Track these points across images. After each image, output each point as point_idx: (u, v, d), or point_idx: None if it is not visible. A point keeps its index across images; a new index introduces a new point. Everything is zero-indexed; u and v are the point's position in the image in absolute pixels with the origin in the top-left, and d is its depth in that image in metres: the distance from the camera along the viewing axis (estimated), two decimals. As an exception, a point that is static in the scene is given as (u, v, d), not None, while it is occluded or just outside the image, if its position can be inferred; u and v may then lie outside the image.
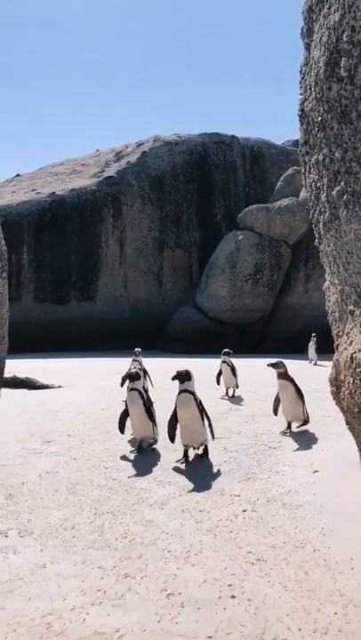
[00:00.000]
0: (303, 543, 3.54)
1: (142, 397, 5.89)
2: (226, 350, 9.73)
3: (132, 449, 5.91)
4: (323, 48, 3.22)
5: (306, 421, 6.61)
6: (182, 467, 5.32)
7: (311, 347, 15.36)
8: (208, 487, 4.72)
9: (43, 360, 16.26)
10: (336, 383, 3.94)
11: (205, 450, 5.56)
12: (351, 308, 3.64)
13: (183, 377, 5.42)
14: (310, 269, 21.98)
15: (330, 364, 4.26)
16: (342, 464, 4.90)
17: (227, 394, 9.29)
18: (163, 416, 5.77)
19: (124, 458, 5.66)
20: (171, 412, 5.54)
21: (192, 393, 5.39)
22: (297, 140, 4.07)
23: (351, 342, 3.63)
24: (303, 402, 6.57)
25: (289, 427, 6.53)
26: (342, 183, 3.24)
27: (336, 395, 4.01)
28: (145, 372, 8.52)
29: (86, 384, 11.03)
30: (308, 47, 3.59)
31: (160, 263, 25.30)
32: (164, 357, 16.43)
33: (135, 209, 25.13)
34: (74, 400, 8.99)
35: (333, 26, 3.08)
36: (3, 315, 5.48)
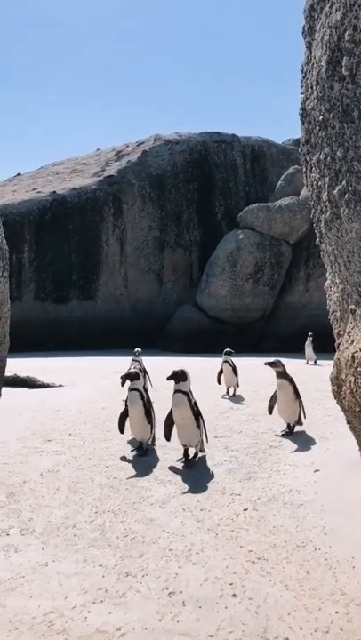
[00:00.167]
0: (304, 542, 3.55)
1: (143, 398, 5.87)
2: (228, 350, 9.72)
3: (132, 449, 5.91)
4: (324, 47, 3.22)
5: (299, 422, 6.47)
6: (183, 466, 5.32)
7: (308, 346, 15.26)
8: (209, 486, 4.72)
9: (43, 359, 16.27)
10: (337, 382, 3.95)
11: (195, 454, 5.48)
12: (352, 307, 3.64)
13: (179, 377, 5.39)
14: (311, 268, 21.96)
15: (329, 363, 4.26)
16: (343, 463, 4.90)
17: (227, 393, 9.29)
18: (162, 415, 5.77)
19: (124, 457, 5.67)
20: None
21: (186, 394, 5.35)
22: (298, 139, 4.07)
23: (352, 341, 3.63)
24: (300, 402, 6.44)
25: (288, 427, 6.41)
26: (344, 182, 3.24)
27: (337, 394, 4.01)
28: (145, 371, 8.51)
29: (87, 383, 11.04)
30: (309, 46, 3.59)
31: (160, 262, 25.29)
32: (165, 356, 16.44)
33: (136, 208, 25.12)
34: (75, 399, 9.00)
35: (335, 24, 3.08)
36: (4, 314, 5.48)
